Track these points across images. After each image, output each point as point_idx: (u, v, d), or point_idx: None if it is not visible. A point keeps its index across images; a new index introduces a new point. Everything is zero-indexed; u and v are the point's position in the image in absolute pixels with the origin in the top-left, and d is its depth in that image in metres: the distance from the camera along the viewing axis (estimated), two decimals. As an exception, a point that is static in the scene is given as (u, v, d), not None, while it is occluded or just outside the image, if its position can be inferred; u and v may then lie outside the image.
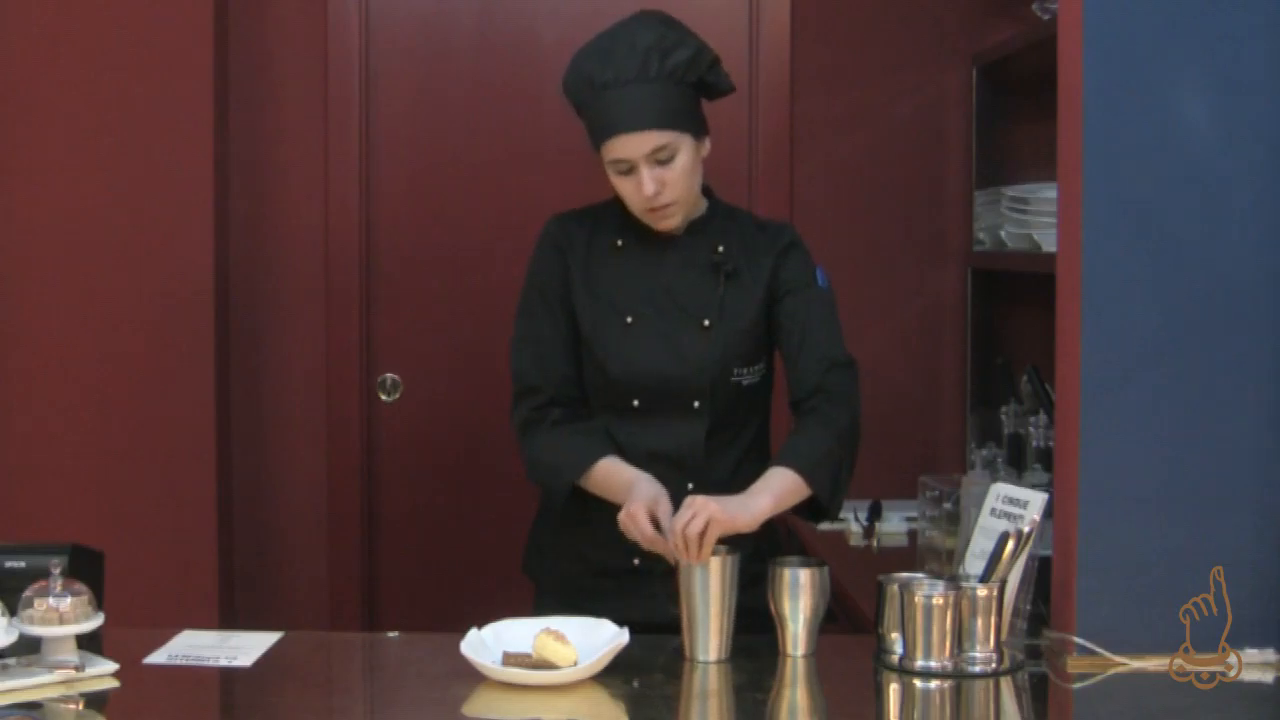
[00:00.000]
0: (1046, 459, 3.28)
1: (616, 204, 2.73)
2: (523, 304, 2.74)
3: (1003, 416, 3.55)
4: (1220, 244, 2.31)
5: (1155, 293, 2.30)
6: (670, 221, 2.64)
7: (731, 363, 2.66)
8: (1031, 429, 3.37)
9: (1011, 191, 3.53)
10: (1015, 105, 3.92)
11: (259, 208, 3.96)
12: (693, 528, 2.35)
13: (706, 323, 2.65)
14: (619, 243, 2.69)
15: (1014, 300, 3.91)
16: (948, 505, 3.00)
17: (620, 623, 2.33)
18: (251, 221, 3.96)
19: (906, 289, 4.05)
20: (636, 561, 2.64)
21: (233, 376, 3.94)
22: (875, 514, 3.61)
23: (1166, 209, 2.30)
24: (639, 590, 2.61)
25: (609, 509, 2.59)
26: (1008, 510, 2.35)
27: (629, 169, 2.57)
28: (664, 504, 2.47)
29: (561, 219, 2.75)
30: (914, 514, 3.30)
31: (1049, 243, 3.15)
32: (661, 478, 2.59)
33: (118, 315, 3.79)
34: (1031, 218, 3.37)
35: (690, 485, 2.63)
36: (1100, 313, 2.29)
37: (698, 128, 2.62)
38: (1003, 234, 3.59)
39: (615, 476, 2.58)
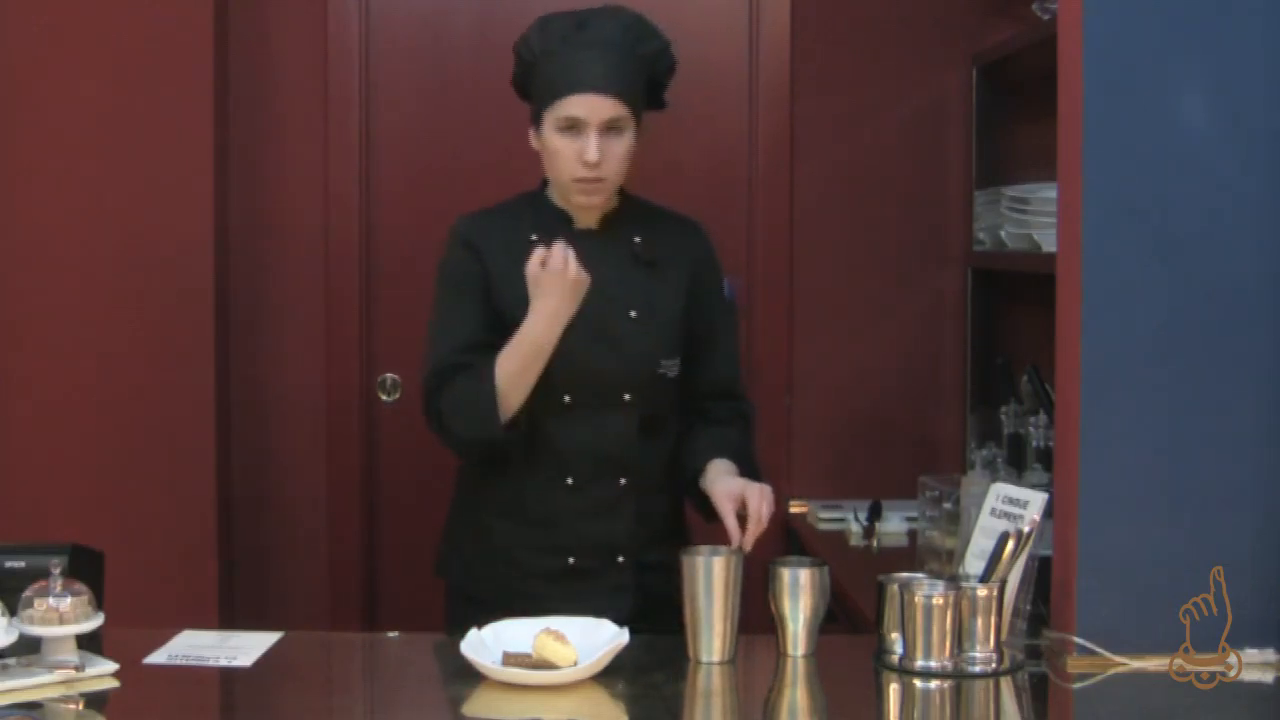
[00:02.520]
0: (1046, 459, 3.28)
1: (524, 201, 2.75)
2: (437, 304, 2.73)
3: (1003, 416, 3.55)
4: (1220, 244, 2.31)
5: (1155, 292, 2.30)
6: (594, 199, 2.65)
7: (659, 354, 2.69)
8: (1031, 429, 3.37)
9: (1011, 191, 3.53)
10: (1015, 105, 3.92)
11: (259, 208, 3.96)
12: (765, 510, 2.47)
13: (634, 314, 2.67)
14: (534, 238, 2.66)
15: (1014, 300, 3.91)
16: (948, 505, 3.00)
17: None
18: (251, 222, 3.96)
19: (906, 289, 4.05)
20: (571, 561, 2.67)
21: (233, 377, 3.94)
22: (875, 514, 3.61)
23: (1166, 209, 2.30)
24: (573, 591, 2.62)
25: (540, 511, 2.65)
26: (1008, 510, 2.35)
27: (576, 131, 2.58)
28: (567, 249, 2.51)
29: (470, 218, 2.75)
30: (914, 514, 3.30)
31: (1049, 243, 3.15)
32: (596, 473, 2.65)
33: (118, 315, 3.79)
34: (1031, 218, 3.37)
35: (623, 480, 2.67)
36: (1100, 313, 2.29)
37: (639, 119, 2.65)
38: (1003, 234, 3.59)
39: (518, 337, 2.56)
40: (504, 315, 2.64)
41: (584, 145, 2.58)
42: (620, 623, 2.30)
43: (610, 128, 2.59)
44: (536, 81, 2.63)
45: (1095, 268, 2.29)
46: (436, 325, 2.72)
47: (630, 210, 2.73)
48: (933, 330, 4.05)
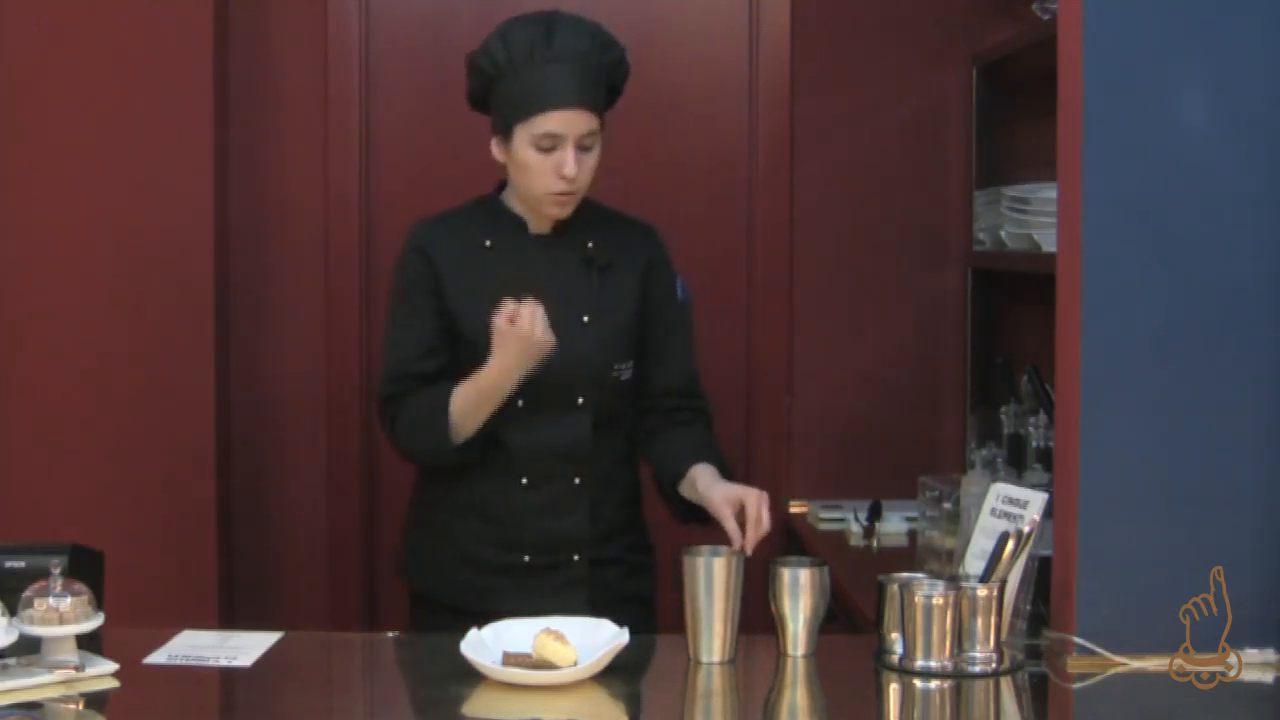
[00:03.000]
0: (1046, 459, 3.28)
1: (479, 206, 2.76)
2: (387, 313, 2.77)
3: (1003, 416, 3.55)
4: (1220, 244, 2.31)
5: (1155, 293, 2.30)
6: (566, 211, 2.66)
7: (612, 357, 2.70)
8: (1031, 429, 3.37)
9: (1011, 191, 3.53)
10: (1015, 105, 3.92)
11: (259, 208, 3.96)
12: (764, 515, 2.46)
13: (586, 319, 2.68)
14: (488, 243, 2.70)
15: (1014, 300, 3.91)
16: (948, 505, 3.00)
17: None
18: (251, 221, 3.96)
19: (906, 289, 4.05)
20: (527, 559, 2.68)
21: (233, 377, 3.94)
22: (875, 514, 3.61)
23: (1166, 209, 2.30)
24: (527, 588, 2.63)
25: (495, 510, 2.67)
26: (1008, 510, 2.35)
27: (553, 146, 2.58)
28: (508, 313, 2.53)
29: (424, 224, 2.77)
30: (914, 514, 3.30)
31: (1049, 243, 3.15)
32: (550, 473, 2.67)
33: (118, 315, 3.79)
34: (1031, 218, 3.37)
35: (577, 480, 2.68)
36: (1100, 313, 2.29)
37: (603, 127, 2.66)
38: (1003, 234, 3.59)
39: (475, 379, 2.59)
40: (456, 320, 2.67)
41: (561, 160, 2.59)
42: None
43: (585, 141, 2.60)
44: (505, 96, 2.63)
45: (1095, 268, 2.29)
46: (390, 332, 2.75)
47: (584, 214, 2.72)
48: (933, 330, 4.05)
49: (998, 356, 3.84)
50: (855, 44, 4.01)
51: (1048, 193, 3.25)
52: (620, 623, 2.28)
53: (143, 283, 3.79)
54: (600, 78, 2.63)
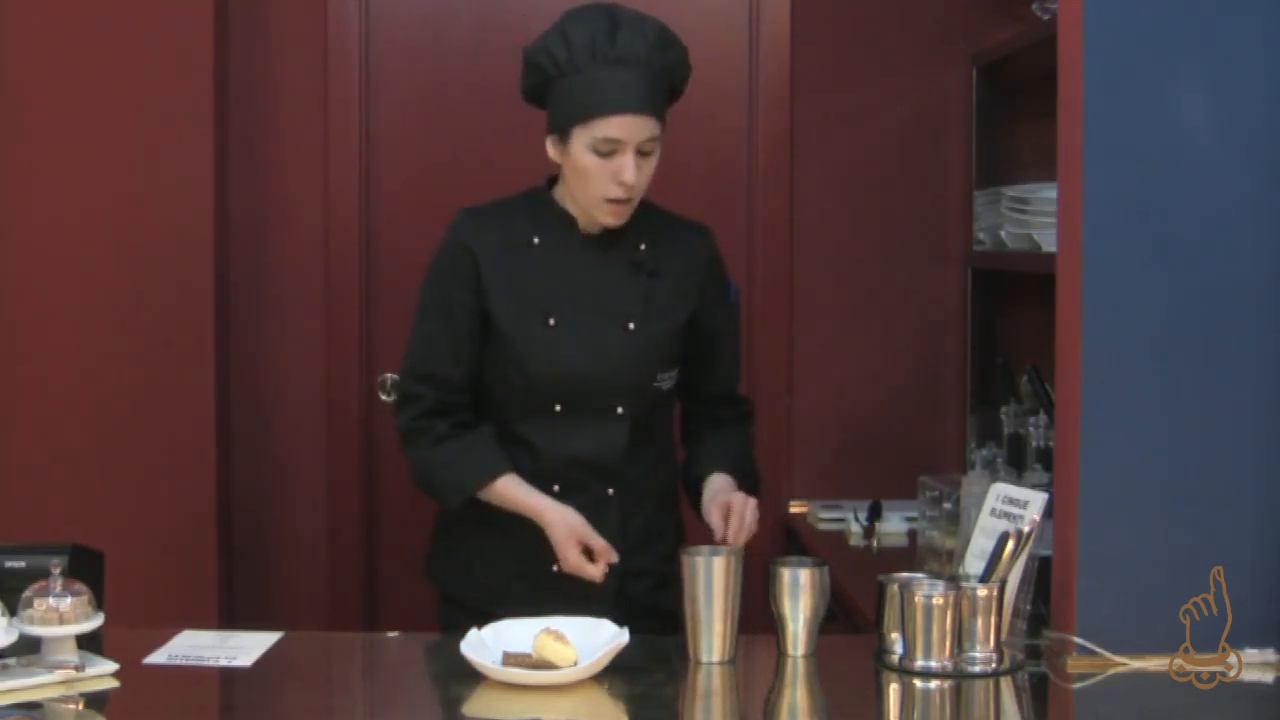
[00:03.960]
0: (1046, 459, 3.28)
1: (527, 200, 2.68)
2: (420, 301, 2.70)
3: (1003, 416, 3.55)
4: (1220, 244, 2.31)
5: (1155, 292, 2.30)
6: (619, 220, 2.59)
7: (654, 366, 2.64)
8: (1031, 429, 3.37)
9: (1011, 191, 3.53)
10: (1015, 105, 3.92)
11: (259, 208, 3.96)
12: (749, 512, 2.48)
13: (631, 325, 2.62)
14: (536, 240, 2.63)
15: (1014, 300, 3.91)
16: (948, 505, 2.99)
17: None
18: (251, 221, 3.96)
19: (906, 289, 4.05)
20: (556, 568, 2.62)
21: (233, 376, 3.94)
22: (875, 514, 3.61)
23: (1167, 209, 2.31)
24: (557, 597, 2.57)
25: (525, 516, 2.61)
26: (1008, 510, 2.35)
27: (612, 151, 2.51)
28: (586, 530, 2.54)
29: (471, 214, 2.68)
30: (914, 514, 3.30)
31: (1049, 243, 3.15)
32: (582, 482, 2.63)
33: (117, 314, 3.79)
34: (1031, 218, 3.37)
35: (610, 490, 2.65)
36: (1100, 313, 2.29)
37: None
38: (1003, 234, 3.59)
39: (517, 501, 2.60)
40: (491, 315, 2.62)
41: (620, 166, 2.51)
42: None
43: (646, 146, 2.53)
44: (564, 95, 2.53)
45: (1095, 268, 2.29)
46: (418, 325, 2.70)
47: (638, 214, 2.64)
48: (933, 330, 4.05)
49: (998, 356, 3.84)
50: (855, 44, 4.01)
51: (1048, 193, 3.25)
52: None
53: (143, 283, 3.79)
54: (663, 80, 2.55)
